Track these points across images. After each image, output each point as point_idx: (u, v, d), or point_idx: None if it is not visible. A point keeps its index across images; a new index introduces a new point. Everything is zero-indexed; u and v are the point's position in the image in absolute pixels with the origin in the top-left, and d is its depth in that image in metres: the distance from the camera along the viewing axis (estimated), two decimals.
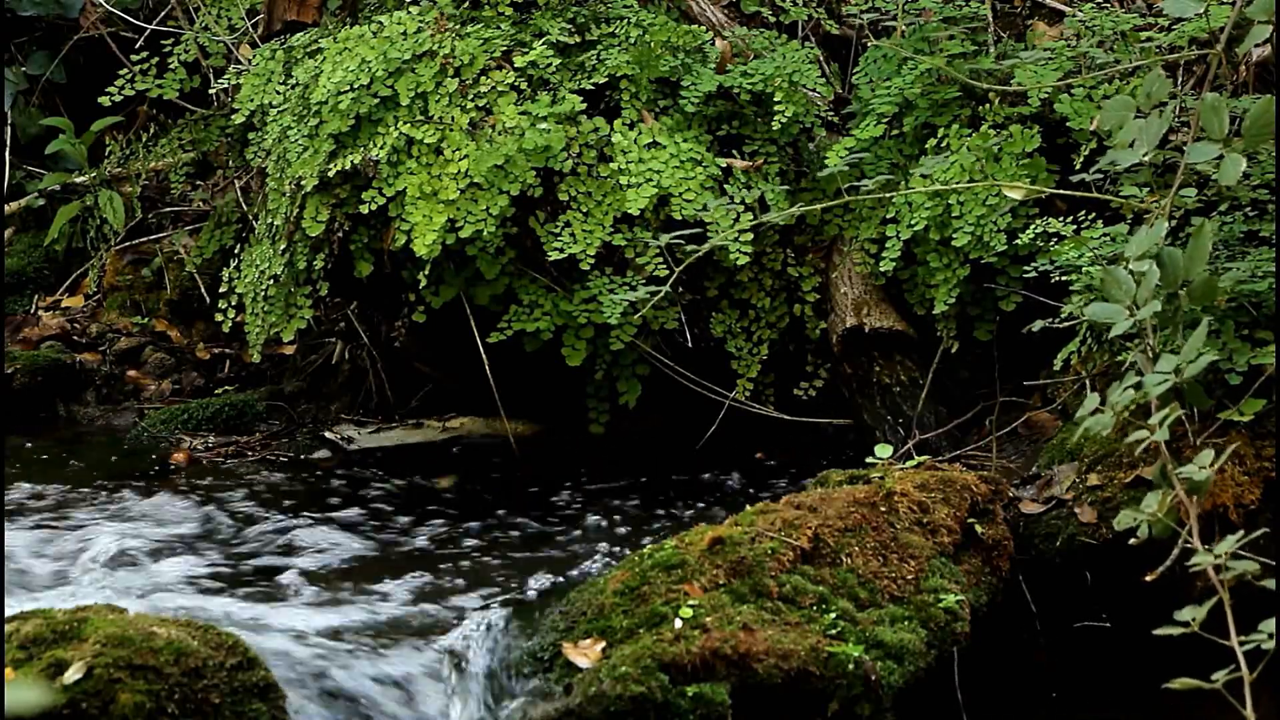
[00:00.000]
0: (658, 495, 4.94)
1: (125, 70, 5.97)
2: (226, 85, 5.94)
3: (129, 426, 5.82)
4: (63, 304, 6.63)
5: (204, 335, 6.42)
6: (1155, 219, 3.73)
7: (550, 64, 5.02)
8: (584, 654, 3.58)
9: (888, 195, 4.95)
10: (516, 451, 5.21)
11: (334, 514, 4.85)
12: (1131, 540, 3.48)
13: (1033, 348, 4.75)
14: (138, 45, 6.26)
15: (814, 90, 5.20)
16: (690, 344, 5.12)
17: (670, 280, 4.41)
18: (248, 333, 5.26)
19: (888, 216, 5.01)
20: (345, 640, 3.81)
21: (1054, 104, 4.96)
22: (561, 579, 4.17)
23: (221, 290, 5.44)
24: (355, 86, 5.00)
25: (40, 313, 6.57)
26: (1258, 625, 3.03)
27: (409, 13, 5.14)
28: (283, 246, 5.13)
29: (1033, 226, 4.68)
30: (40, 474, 5.22)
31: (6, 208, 6.75)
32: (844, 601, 3.76)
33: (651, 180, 4.95)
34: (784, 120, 5.06)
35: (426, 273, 4.94)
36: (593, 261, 4.93)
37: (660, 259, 4.94)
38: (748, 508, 3.97)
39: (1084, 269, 4.36)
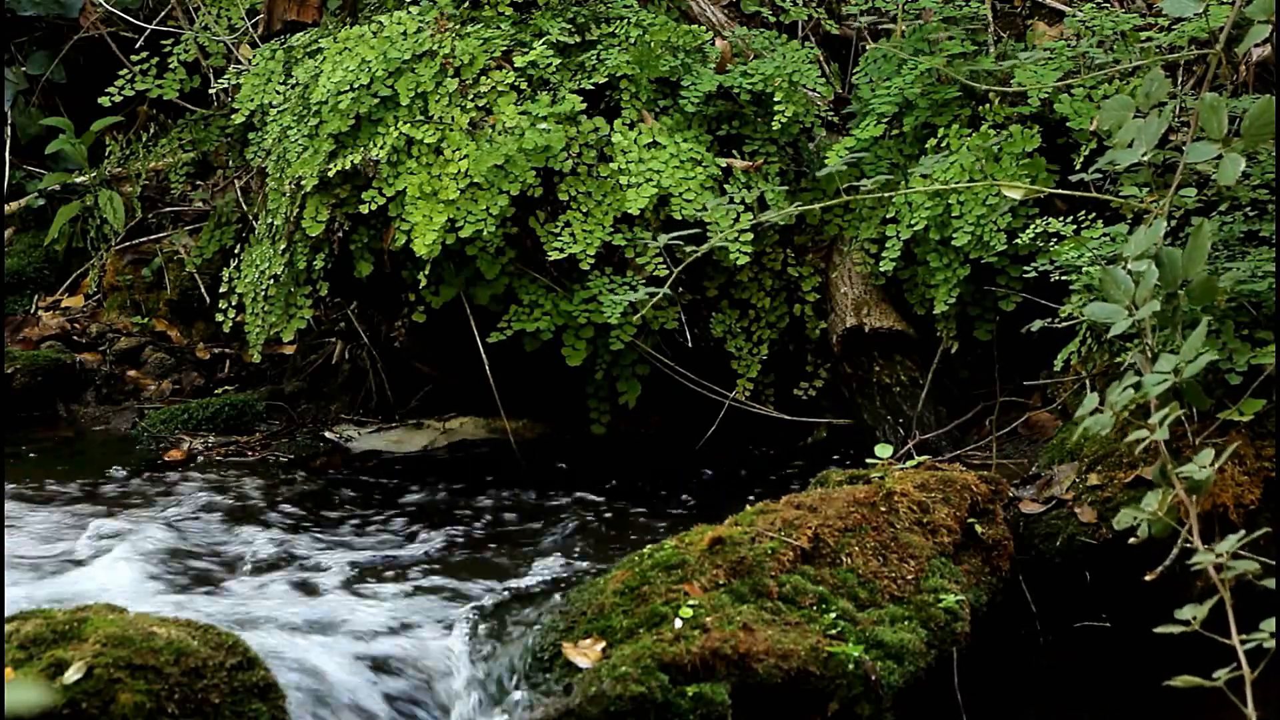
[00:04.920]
0: (657, 495, 4.94)
1: (125, 70, 5.97)
2: (226, 85, 5.94)
3: (129, 426, 5.82)
4: (63, 304, 6.63)
5: (204, 335, 6.42)
6: (1154, 219, 3.73)
7: (550, 64, 5.03)
8: (584, 654, 3.58)
9: (888, 195, 4.95)
10: (516, 451, 5.21)
11: (333, 513, 4.86)
12: (1131, 539, 3.48)
13: (1033, 348, 4.75)
14: (138, 45, 6.26)
15: (814, 90, 5.20)
16: (690, 344, 5.12)
17: (669, 281, 4.41)
18: (248, 333, 5.26)
19: (888, 216, 5.02)
20: (344, 639, 3.81)
21: (1054, 104, 4.96)
22: (561, 579, 4.18)
23: (221, 290, 5.44)
24: (355, 86, 5.00)
25: (40, 313, 6.57)
26: (1258, 624, 3.03)
27: (409, 13, 5.14)
28: (283, 246, 5.13)
29: (1033, 226, 4.68)
30: (40, 474, 5.23)
31: (6, 208, 6.75)
32: (844, 601, 3.76)
33: (651, 180, 4.95)
34: (784, 120, 5.06)
35: (426, 273, 4.94)
36: (593, 261, 4.94)
37: (660, 259, 4.95)
38: (748, 508, 3.97)
39: (1084, 269, 4.36)
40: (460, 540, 4.61)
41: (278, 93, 5.30)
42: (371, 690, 3.69)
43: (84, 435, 5.82)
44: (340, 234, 5.08)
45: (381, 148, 4.95)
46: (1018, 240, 4.75)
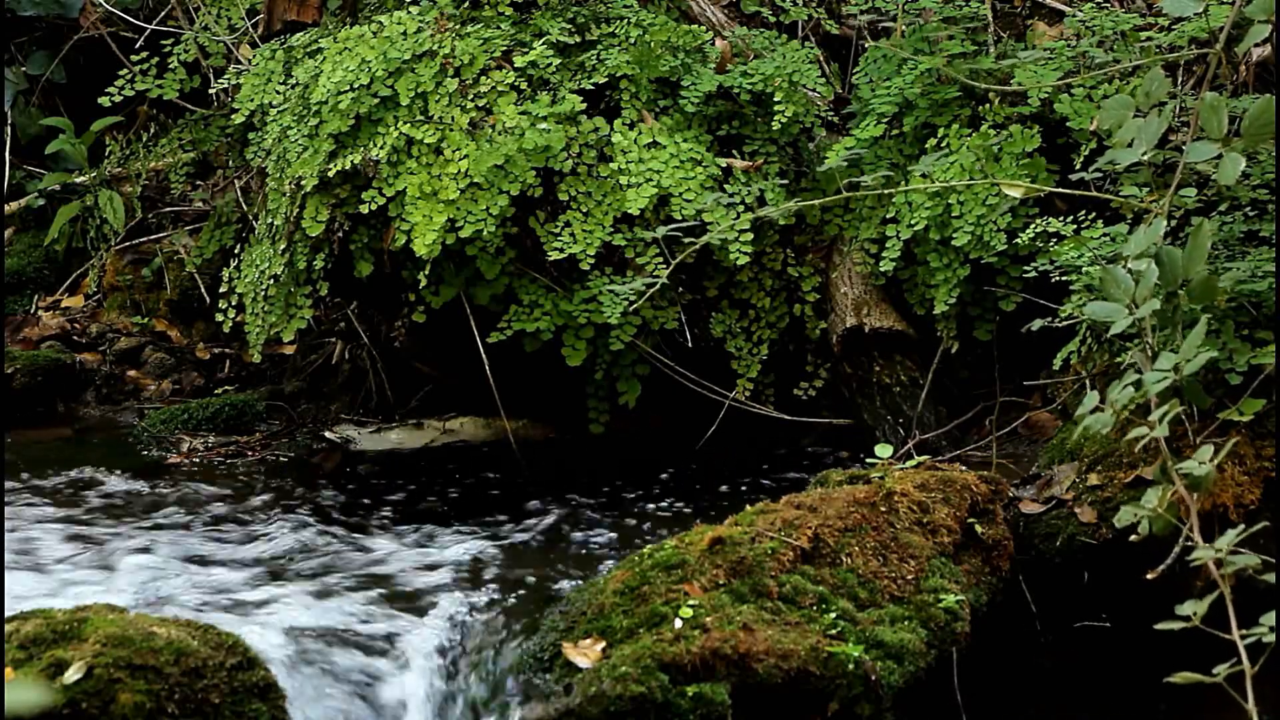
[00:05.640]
0: (657, 495, 4.93)
1: (125, 70, 5.97)
2: (226, 85, 5.94)
3: (129, 426, 5.82)
4: (63, 304, 6.63)
5: (204, 335, 6.43)
6: (1154, 218, 3.73)
7: (550, 64, 5.03)
8: (584, 654, 3.58)
9: (888, 195, 4.95)
10: (516, 451, 5.21)
11: (332, 513, 4.85)
12: (1132, 537, 3.48)
13: (1033, 348, 4.75)
14: (138, 45, 6.26)
15: (814, 90, 5.20)
16: (690, 344, 5.11)
17: (668, 272, 4.41)
18: (248, 333, 5.26)
19: (888, 216, 5.02)
20: (343, 639, 3.81)
21: (1054, 104, 4.96)
22: (561, 578, 4.18)
23: (221, 290, 5.44)
24: (355, 86, 5.00)
25: (40, 313, 6.57)
26: (1258, 620, 3.03)
27: (409, 13, 5.14)
28: (283, 246, 5.13)
29: (1033, 226, 4.68)
30: (40, 474, 5.22)
31: (6, 208, 6.75)
32: (844, 601, 3.76)
33: (651, 180, 4.95)
34: (784, 120, 5.06)
35: (426, 273, 4.94)
36: (593, 261, 4.93)
37: (660, 259, 4.94)
38: (748, 507, 3.97)
39: (1084, 269, 4.36)
40: (459, 540, 4.61)
41: (278, 93, 5.30)
42: (368, 689, 3.68)
43: (84, 435, 5.82)
44: (340, 234, 5.08)
45: (381, 148, 4.95)
46: (1018, 240, 4.75)
